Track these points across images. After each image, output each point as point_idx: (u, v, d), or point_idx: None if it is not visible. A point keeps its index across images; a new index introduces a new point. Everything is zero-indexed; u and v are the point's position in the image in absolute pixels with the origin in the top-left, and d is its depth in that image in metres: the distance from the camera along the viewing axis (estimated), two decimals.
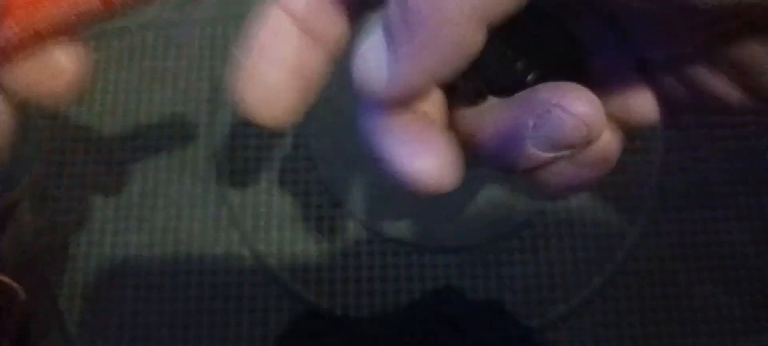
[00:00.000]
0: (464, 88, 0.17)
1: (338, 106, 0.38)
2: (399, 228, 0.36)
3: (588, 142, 0.16)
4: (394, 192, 0.37)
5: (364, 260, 0.36)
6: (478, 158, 0.18)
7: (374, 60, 0.15)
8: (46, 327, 0.35)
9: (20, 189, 0.36)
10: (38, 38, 0.16)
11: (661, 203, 0.37)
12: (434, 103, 0.18)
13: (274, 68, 0.18)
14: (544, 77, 0.17)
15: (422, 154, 0.16)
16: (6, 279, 0.34)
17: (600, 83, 0.17)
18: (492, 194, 0.37)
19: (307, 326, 0.35)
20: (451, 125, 0.18)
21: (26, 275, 0.35)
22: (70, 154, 0.37)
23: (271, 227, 0.36)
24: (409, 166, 0.16)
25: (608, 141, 0.17)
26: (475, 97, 0.18)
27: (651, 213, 0.37)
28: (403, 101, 0.16)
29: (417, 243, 0.36)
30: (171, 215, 0.36)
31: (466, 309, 0.35)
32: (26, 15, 0.15)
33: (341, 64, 0.18)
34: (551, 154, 0.16)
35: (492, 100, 0.17)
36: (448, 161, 0.16)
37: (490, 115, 0.17)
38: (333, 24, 0.17)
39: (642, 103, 0.18)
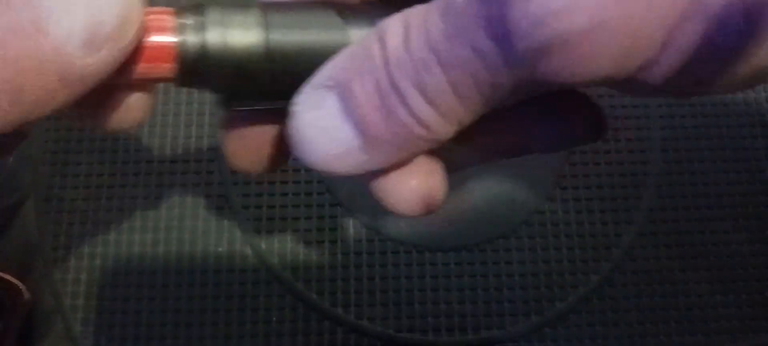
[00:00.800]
0: None
1: None
2: (399, 228, 0.36)
3: None
4: None
5: (364, 259, 0.36)
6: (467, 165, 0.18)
7: (330, 132, 0.15)
8: (50, 325, 0.35)
9: (25, 188, 0.37)
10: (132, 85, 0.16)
11: (658, 203, 0.37)
12: None
13: (249, 122, 0.18)
14: None
15: (406, 178, 0.16)
16: (10, 278, 0.34)
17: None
18: (491, 194, 0.37)
19: (308, 324, 0.35)
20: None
21: (30, 273, 0.35)
22: (75, 154, 0.37)
23: (272, 227, 0.36)
24: (393, 192, 0.16)
25: None
26: None
27: (648, 212, 0.37)
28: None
29: (417, 243, 0.36)
30: (174, 215, 0.36)
31: (466, 308, 0.35)
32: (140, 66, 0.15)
33: None
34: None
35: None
36: (435, 185, 0.17)
37: (476, 148, 0.18)
38: None
39: None
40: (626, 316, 0.35)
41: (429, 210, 0.16)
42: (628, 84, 0.14)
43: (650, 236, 0.36)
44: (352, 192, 0.37)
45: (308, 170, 0.37)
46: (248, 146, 0.18)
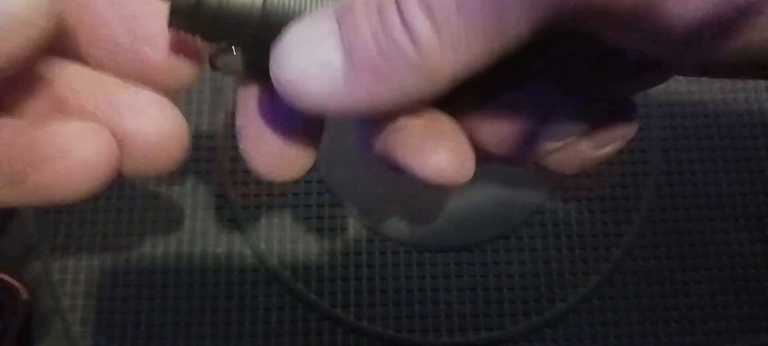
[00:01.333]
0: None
1: None
2: (399, 228, 0.36)
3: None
4: (394, 192, 0.38)
5: (364, 259, 0.36)
6: (484, 158, 0.17)
7: (313, 46, 0.14)
8: (49, 326, 0.35)
9: None
10: None
11: (658, 203, 0.37)
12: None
13: (273, 128, 0.17)
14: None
15: (435, 148, 0.15)
16: (9, 278, 0.34)
17: None
18: (491, 194, 0.37)
19: (308, 324, 0.35)
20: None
21: (29, 273, 0.35)
22: None
23: (272, 227, 0.36)
24: (423, 162, 0.15)
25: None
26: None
27: (648, 212, 0.37)
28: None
29: (417, 243, 0.36)
30: (173, 215, 0.36)
31: (465, 308, 0.35)
32: None
33: None
34: (563, 143, 0.16)
35: (489, 107, 0.17)
36: (463, 152, 0.15)
37: (498, 121, 0.16)
38: None
39: None
40: (626, 316, 0.35)
41: (456, 180, 0.15)
42: (658, 26, 0.12)
43: (650, 236, 0.36)
44: (352, 192, 0.37)
45: (308, 170, 0.37)
46: (272, 139, 0.17)
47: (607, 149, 0.17)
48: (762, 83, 0.40)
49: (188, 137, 0.16)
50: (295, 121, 0.17)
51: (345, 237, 0.36)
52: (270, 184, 0.37)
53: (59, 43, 0.15)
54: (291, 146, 0.17)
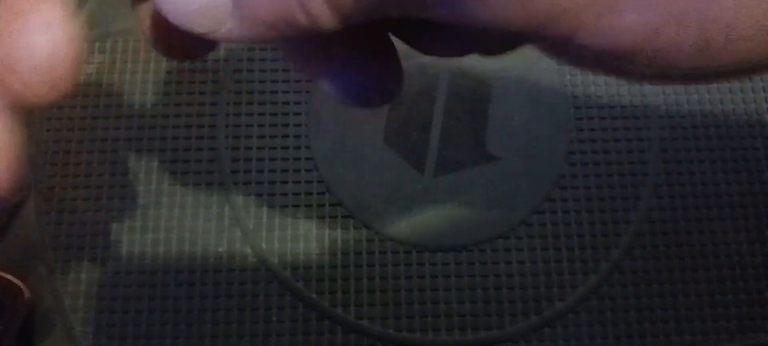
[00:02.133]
0: None
1: (338, 106, 0.38)
2: (399, 228, 0.36)
3: None
4: (394, 192, 0.38)
5: (364, 259, 0.36)
6: None
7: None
8: (51, 325, 0.35)
9: (26, 189, 0.37)
10: None
11: (657, 203, 0.37)
12: None
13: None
14: None
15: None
16: (11, 277, 0.34)
17: None
18: (491, 194, 0.37)
19: (308, 323, 0.35)
20: None
21: (30, 273, 0.35)
22: (75, 154, 0.38)
23: (272, 227, 0.36)
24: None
25: None
26: None
27: (647, 212, 0.37)
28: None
29: (417, 243, 0.36)
30: (174, 215, 0.37)
31: (465, 308, 0.35)
32: None
33: None
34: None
35: None
36: None
37: None
38: None
39: None
40: (625, 316, 0.35)
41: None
42: (565, 48, 0.13)
43: (649, 236, 0.37)
44: (352, 192, 0.37)
45: (307, 171, 0.37)
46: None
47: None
48: (761, 83, 0.40)
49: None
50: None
51: (345, 237, 0.36)
52: (272, 183, 0.37)
53: None
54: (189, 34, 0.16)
